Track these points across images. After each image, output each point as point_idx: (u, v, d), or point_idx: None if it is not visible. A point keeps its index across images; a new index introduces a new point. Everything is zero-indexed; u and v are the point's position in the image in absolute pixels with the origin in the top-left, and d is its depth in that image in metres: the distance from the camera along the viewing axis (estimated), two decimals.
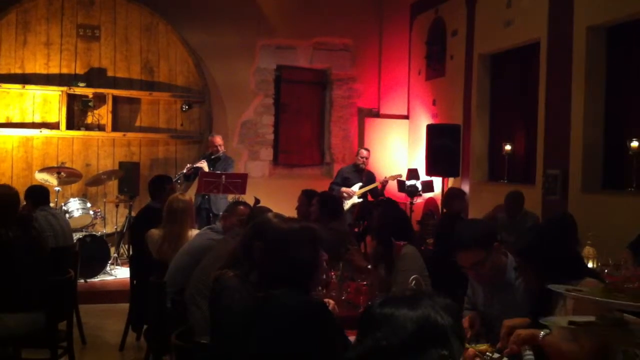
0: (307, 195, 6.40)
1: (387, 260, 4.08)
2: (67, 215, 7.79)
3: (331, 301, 3.33)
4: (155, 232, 5.22)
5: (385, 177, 9.09)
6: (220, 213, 5.68)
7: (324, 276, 3.57)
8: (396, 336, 1.39)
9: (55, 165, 8.59)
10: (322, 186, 7.92)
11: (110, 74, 9.52)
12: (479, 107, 8.86)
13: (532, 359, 1.90)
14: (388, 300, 1.49)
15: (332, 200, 5.98)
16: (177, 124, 9.83)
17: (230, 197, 7.89)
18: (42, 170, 8.30)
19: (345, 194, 8.80)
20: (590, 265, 4.86)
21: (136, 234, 5.84)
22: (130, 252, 7.57)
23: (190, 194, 8.19)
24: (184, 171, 8.49)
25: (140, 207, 8.65)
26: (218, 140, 8.64)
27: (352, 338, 2.94)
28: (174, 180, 7.37)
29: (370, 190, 8.92)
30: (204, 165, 8.36)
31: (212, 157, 8.54)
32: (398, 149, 10.58)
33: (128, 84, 9.58)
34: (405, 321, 1.41)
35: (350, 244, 5.23)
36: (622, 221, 5.97)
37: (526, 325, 2.71)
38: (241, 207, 4.80)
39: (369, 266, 4.40)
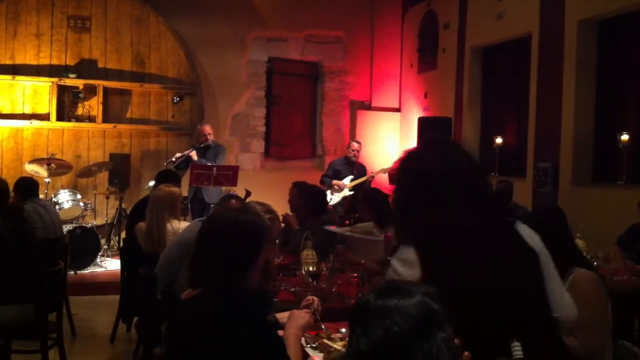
0: (299, 188, 6.39)
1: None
2: (57, 207, 7.76)
3: (315, 298, 3.29)
4: (142, 225, 5.22)
5: (372, 173, 9.08)
6: (213, 203, 5.68)
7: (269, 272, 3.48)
8: (406, 322, 1.44)
9: (46, 157, 8.56)
10: (313, 179, 7.91)
11: (101, 65, 9.48)
12: (471, 100, 8.88)
13: (520, 352, 1.90)
14: (383, 292, 1.51)
15: (317, 194, 5.98)
16: (168, 115, 9.80)
17: (225, 189, 7.89)
18: (32, 161, 8.27)
19: (336, 187, 8.81)
20: None
21: (131, 225, 5.83)
22: (121, 244, 7.57)
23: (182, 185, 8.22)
24: (173, 159, 8.46)
25: (131, 198, 8.68)
26: (207, 129, 8.64)
27: (343, 329, 2.97)
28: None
29: (359, 184, 8.93)
30: (193, 154, 8.36)
31: (202, 145, 8.54)
32: (389, 142, 10.59)
33: (119, 75, 9.53)
34: (409, 308, 1.46)
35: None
36: (612, 214, 6.01)
37: None
38: (233, 202, 4.79)
39: (362, 260, 4.41)
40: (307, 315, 2.64)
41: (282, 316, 2.92)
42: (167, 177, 6.60)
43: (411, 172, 2.23)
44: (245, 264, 2.36)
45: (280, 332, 2.54)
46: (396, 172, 2.28)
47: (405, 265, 2.11)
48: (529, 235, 2.23)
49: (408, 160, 2.25)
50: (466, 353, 1.53)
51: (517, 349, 1.90)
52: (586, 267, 2.94)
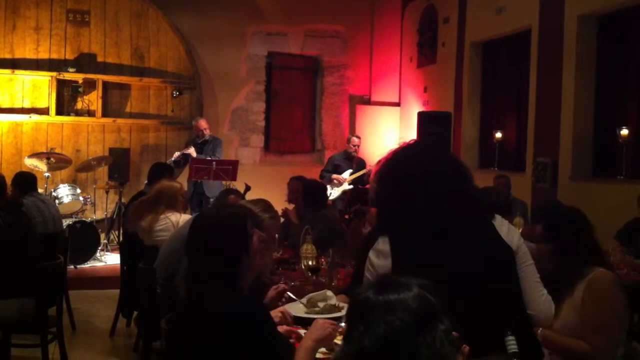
0: (299, 182, 6.38)
1: None
2: (56, 201, 7.75)
3: (281, 285, 3.30)
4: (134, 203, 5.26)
5: (370, 167, 9.06)
6: (214, 197, 5.69)
7: (264, 262, 3.47)
8: (408, 316, 1.44)
9: (45, 151, 8.55)
10: (313, 173, 7.92)
11: (100, 59, 9.46)
12: (470, 94, 8.87)
13: (515, 345, 1.90)
14: (382, 287, 1.51)
15: (316, 188, 5.98)
16: (168, 110, 9.79)
17: (225, 183, 7.89)
18: (32, 156, 8.26)
19: (336, 181, 8.81)
20: None
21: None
22: (121, 238, 7.57)
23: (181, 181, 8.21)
24: (172, 159, 8.47)
25: (131, 193, 8.67)
26: (203, 123, 8.65)
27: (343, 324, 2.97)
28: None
29: (359, 177, 8.93)
30: (191, 151, 8.36)
31: (199, 141, 8.54)
32: (389, 136, 10.57)
33: (118, 69, 9.52)
34: (410, 301, 1.46)
35: (340, 230, 5.25)
36: (611, 209, 6.00)
37: None
38: (232, 197, 4.79)
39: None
40: (329, 328, 2.39)
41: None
42: (161, 170, 6.60)
43: (392, 171, 2.27)
44: (235, 258, 2.34)
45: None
46: (380, 167, 2.31)
47: (380, 256, 2.18)
48: (507, 231, 2.25)
49: (392, 160, 2.30)
50: (464, 346, 1.53)
51: (511, 342, 1.90)
52: (606, 268, 2.89)
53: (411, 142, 2.38)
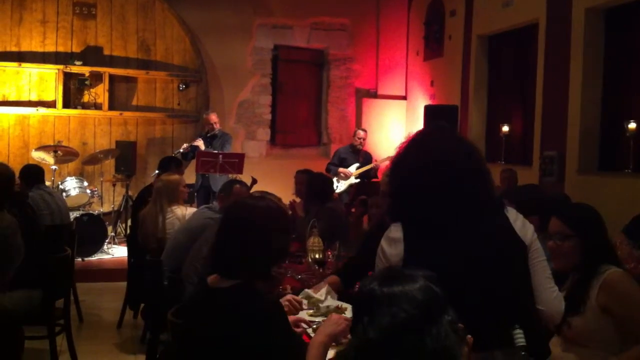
0: (305, 175, 6.39)
1: None
2: (63, 194, 7.79)
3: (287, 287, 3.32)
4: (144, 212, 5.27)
5: (377, 162, 9.06)
6: None
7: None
8: (413, 307, 1.45)
9: (52, 144, 8.57)
10: (319, 166, 7.92)
11: (106, 52, 9.47)
12: (477, 88, 8.84)
13: (523, 339, 1.90)
14: (387, 279, 1.52)
15: (323, 181, 5.98)
16: (174, 103, 9.79)
17: (231, 176, 7.90)
18: (39, 148, 8.29)
19: (342, 175, 8.81)
20: None
21: (136, 212, 5.86)
22: (128, 231, 7.60)
23: (190, 173, 8.23)
24: (181, 150, 8.48)
25: (137, 186, 8.70)
26: (213, 117, 8.63)
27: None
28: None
29: (365, 171, 8.92)
30: (200, 143, 8.36)
31: (209, 135, 8.54)
32: (395, 130, 10.57)
33: (124, 62, 9.53)
34: (415, 293, 1.47)
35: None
36: (618, 203, 5.98)
37: None
38: (237, 186, 4.79)
39: None
40: (343, 323, 2.33)
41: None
42: (169, 163, 6.65)
43: (407, 159, 2.28)
44: (280, 252, 2.34)
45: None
46: (396, 155, 2.32)
47: (391, 244, 2.18)
48: (521, 226, 2.24)
49: (408, 148, 2.29)
50: (469, 336, 1.54)
51: (519, 335, 1.90)
52: (617, 266, 2.89)
53: (428, 130, 2.38)
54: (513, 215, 2.26)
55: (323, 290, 3.30)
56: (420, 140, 2.31)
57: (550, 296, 2.23)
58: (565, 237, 2.85)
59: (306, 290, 3.34)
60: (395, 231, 2.19)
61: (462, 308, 1.53)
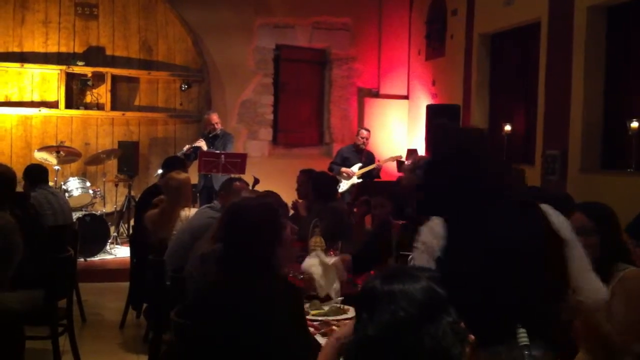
0: (308, 174, 6.40)
1: None
2: (66, 194, 7.79)
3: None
4: (152, 214, 5.25)
5: (379, 162, 9.05)
6: None
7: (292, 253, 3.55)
8: (412, 307, 1.46)
9: (55, 144, 8.58)
10: (321, 166, 7.91)
11: (108, 52, 9.48)
12: (479, 87, 8.83)
13: (526, 338, 1.91)
14: (389, 278, 1.53)
15: (326, 180, 5.98)
16: (176, 103, 9.80)
17: (233, 176, 7.90)
18: (42, 149, 8.30)
19: (345, 174, 8.81)
20: None
21: (140, 212, 5.86)
22: (131, 231, 7.60)
23: (192, 173, 8.23)
24: (184, 151, 8.48)
25: (140, 186, 8.71)
26: (214, 118, 8.64)
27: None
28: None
29: (368, 171, 8.92)
30: (202, 144, 8.36)
31: (210, 135, 8.54)
32: (398, 129, 10.57)
33: (126, 63, 9.54)
34: (415, 293, 1.49)
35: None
36: (621, 202, 5.96)
37: None
38: (237, 184, 4.80)
39: None
40: None
41: None
42: (173, 163, 6.64)
43: (447, 164, 2.37)
44: (270, 247, 2.40)
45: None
46: (433, 157, 2.43)
47: (435, 237, 2.23)
48: (559, 221, 2.29)
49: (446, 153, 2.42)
50: (471, 336, 1.54)
51: (522, 335, 1.91)
52: (630, 264, 2.89)
53: (467, 132, 2.51)
54: (551, 211, 2.32)
55: (333, 259, 3.33)
56: (464, 144, 2.41)
57: (591, 286, 2.29)
58: (589, 232, 2.84)
59: (318, 252, 3.37)
60: (438, 225, 2.25)
61: (496, 301, 1.56)
